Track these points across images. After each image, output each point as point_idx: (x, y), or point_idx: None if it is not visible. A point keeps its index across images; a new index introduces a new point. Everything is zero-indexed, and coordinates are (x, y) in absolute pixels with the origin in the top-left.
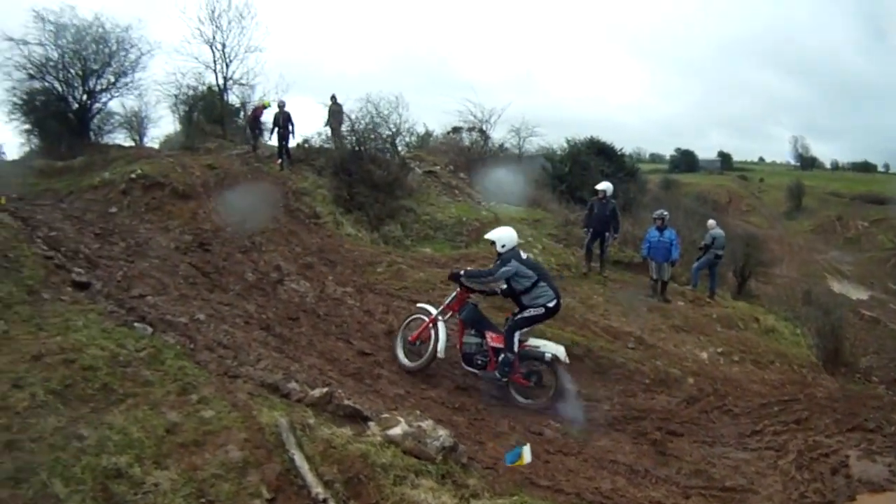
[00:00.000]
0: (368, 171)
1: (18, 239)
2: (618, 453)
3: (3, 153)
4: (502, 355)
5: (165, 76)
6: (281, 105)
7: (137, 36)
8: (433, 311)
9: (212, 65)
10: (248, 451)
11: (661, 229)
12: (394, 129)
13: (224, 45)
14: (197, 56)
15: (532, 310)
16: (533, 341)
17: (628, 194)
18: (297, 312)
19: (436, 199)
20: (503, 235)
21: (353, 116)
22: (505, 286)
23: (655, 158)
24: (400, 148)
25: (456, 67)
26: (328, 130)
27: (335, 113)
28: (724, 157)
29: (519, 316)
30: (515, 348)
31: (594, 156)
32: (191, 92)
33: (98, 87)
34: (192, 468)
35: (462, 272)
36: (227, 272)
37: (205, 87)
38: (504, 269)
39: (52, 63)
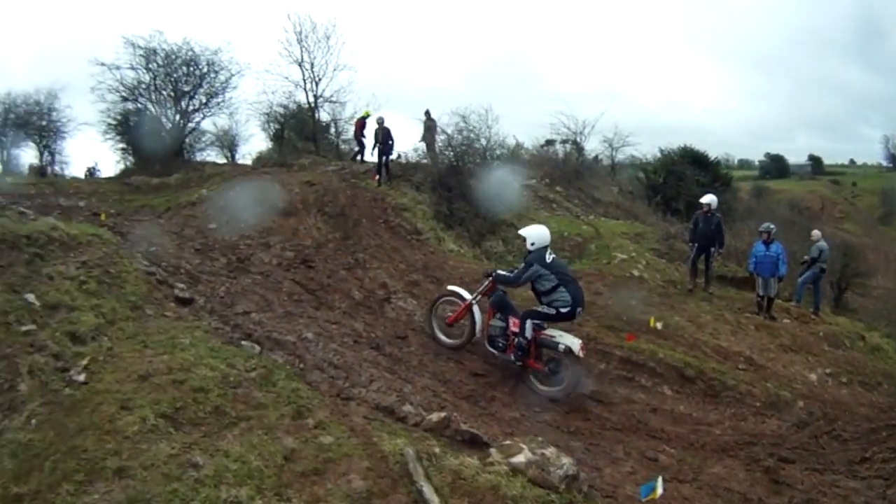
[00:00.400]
0: (468, 186)
1: (119, 255)
2: (732, 481)
3: (99, 171)
4: (517, 339)
5: (256, 95)
6: (380, 121)
7: (227, 58)
8: (468, 296)
9: (302, 83)
10: (371, 481)
11: (767, 243)
12: (485, 143)
13: (312, 65)
14: (287, 76)
15: (546, 308)
16: (551, 331)
17: (723, 205)
18: (406, 331)
19: (535, 214)
20: (534, 233)
21: (448, 131)
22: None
23: (744, 164)
24: (493, 161)
25: (538, 78)
26: (423, 146)
27: (430, 128)
28: (815, 161)
29: (534, 308)
30: (528, 334)
31: (688, 165)
32: (282, 110)
33: (191, 108)
34: (315, 500)
35: (494, 272)
36: (332, 289)
37: (295, 105)
38: (526, 274)
39: (143, 86)
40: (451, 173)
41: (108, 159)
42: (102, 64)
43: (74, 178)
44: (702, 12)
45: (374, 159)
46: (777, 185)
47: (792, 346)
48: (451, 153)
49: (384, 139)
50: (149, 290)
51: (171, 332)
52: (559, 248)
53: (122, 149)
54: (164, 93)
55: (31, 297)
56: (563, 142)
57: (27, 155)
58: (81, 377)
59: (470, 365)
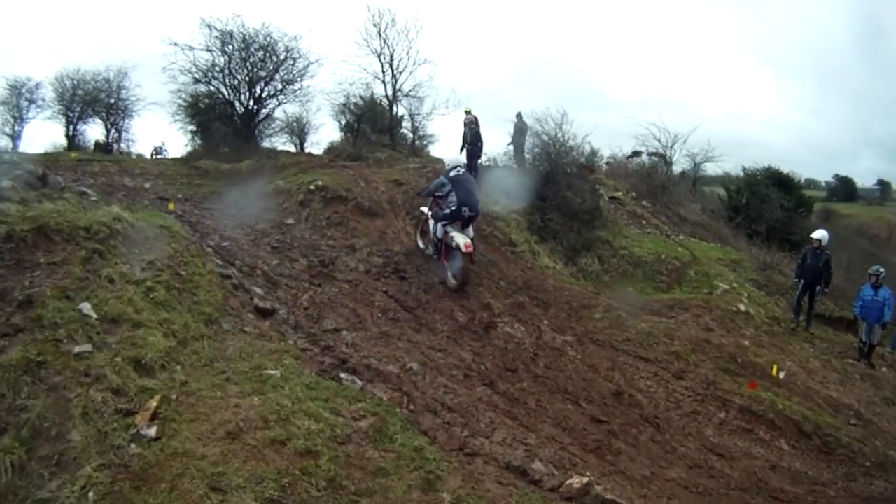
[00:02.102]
0: (565, 198)
1: (190, 251)
2: None
3: (166, 151)
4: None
5: (333, 85)
6: (467, 121)
7: (306, 46)
8: (426, 210)
9: (380, 76)
10: None
11: (875, 287)
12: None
13: (392, 57)
14: (365, 67)
15: (445, 209)
16: (454, 234)
17: (806, 232)
18: (516, 363)
19: (626, 230)
20: (448, 158)
21: (544, 137)
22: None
23: (810, 184)
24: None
25: (593, 84)
26: (511, 149)
27: (521, 130)
28: (884, 185)
29: (435, 210)
30: (439, 234)
31: (772, 187)
32: (359, 102)
33: (265, 94)
34: None
35: (420, 191)
36: (431, 308)
37: (370, 97)
38: (433, 184)
39: (217, 69)
40: (546, 182)
41: (176, 140)
42: (175, 44)
43: (141, 157)
44: (759, 23)
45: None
46: (844, 208)
47: (894, 400)
48: (545, 161)
49: (473, 140)
50: (224, 297)
51: (255, 356)
52: (656, 270)
53: (192, 131)
54: (238, 77)
55: (87, 306)
56: (651, 154)
57: (93, 131)
58: (151, 431)
59: (588, 409)
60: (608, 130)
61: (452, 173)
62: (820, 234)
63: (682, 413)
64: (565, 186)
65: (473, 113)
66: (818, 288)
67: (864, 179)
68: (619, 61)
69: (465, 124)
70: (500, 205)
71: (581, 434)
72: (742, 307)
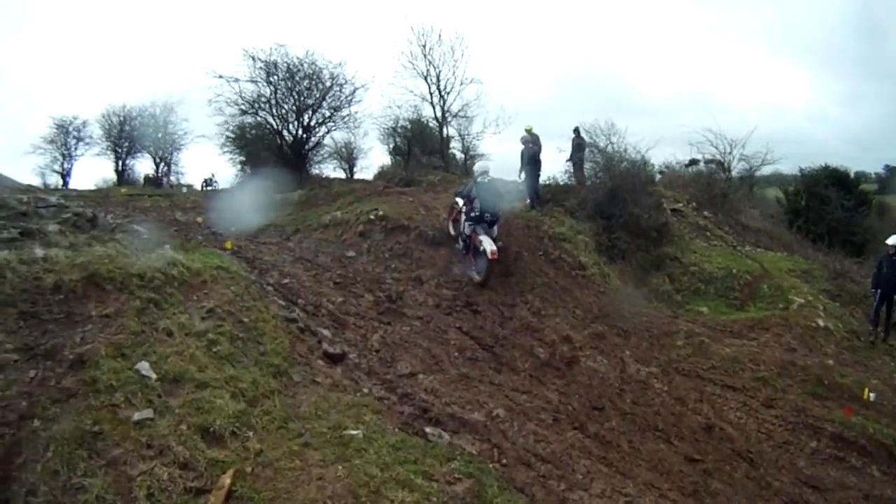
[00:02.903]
0: (632, 215)
1: (251, 294)
2: None
3: (216, 182)
4: (463, 234)
5: (381, 109)
6: (525, 140)
7: (351, 71)
8: (460, 202)
9: (428, 97)
10: None
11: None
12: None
13: (438, 78)
14: (412, 89)
15: (471, 212)
16: (482, 237)
17: (870, 232)
18: (602, 400)
19: (693, 244)
20: (477, 167)
21: (606, 152)
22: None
23: (860, 178)
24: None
25: (628, 87)
26: (570, 165)
27: (580, 146)
28: None
29: (467, 215)
30: (467, 231)
31: (831, 187)
32: (408, 124)
33: (314, 122)
34: None
35: (460, 202)
36: (509, 344)
37: (418, 119)
38: (466, 188)
39: (264, 99)
40: (611, 199)
41: (226, 171)
42: (220, 76)
43: (191, 190)
44: (789, 14)
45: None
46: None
47: None
48: (608, 177)
49: (531, 160)
50: (291, 343)
51: (331, 413)
52: (728, 286)
53: (241, 161)
54: (285, 106)
55: (145, 366)
56: (708, 162)
57: (142, 165)
58: None
59: (681, 446)
60: (648, 136)
61: (479, 179)
62: (895, 240)
63: (774, 444)
64: (632, 203)
65: (535, 131)
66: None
67: None
68: (649, 62)
69: (524, 143)
70: (564, 225)
71: (677, 476)
72: (821, 322)
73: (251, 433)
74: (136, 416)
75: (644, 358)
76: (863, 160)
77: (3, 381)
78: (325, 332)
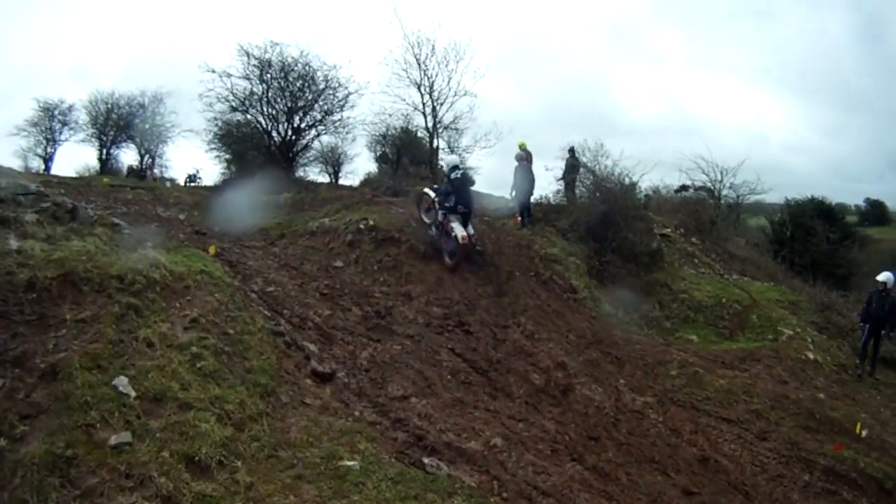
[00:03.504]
0: (625, 240)
1: (235, 303)
2: None
3: (200, 178)
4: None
5: (372, 116)
6: (520, 157)
7: (346, 76)
8: (432, 194)
9: (420, 107)
10: None
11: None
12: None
13: (431, 88)
14: (404, 98)
15: (440, 207)
16: (453, 224)
17: (854, 265)
18: (598, 430)
19: (681, 271)
20: (447, 159)
21: (600, 174)
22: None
23: (840, 209)
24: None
25: (610, 111)
26: (561, 185)
27: (573, 167)
28: None
29: (440, 205)
30: (439, 217)
31: (816, 219)
32: (398, 133)
33: (304, 124)
34: None
35: (432, 194)
36: (503, 368)
37: (408, 128)
38: (442, 187)
39: (256, 97)
40: (603, 222)
41: (211, 168)
42: (213, 71)
43: (175, 184)
44: (769, 42)
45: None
46: (877, 232)
47: None
48: (601, 200)
49: (526, 176)
50: (278, 359)
51: (323, 440)
52: (718, 315)
53: (227, 159)
54: (276, 106)
55: (123, 381)
56: (699, 189)
57: (127, 155)
58: None
59: (677, 479)
60: (630, 158)
61: (453, 175)
62: (885, 276)
63: (768, 477)
64: (624, 227)
65: (528, 148)
66: (883, 332)
67: (894, 201)
68: (631, 82)
69: (517, 160)
70: (557, 246)
71: None
72: (810, 355)
73: (240, 462)
74: (114, 439)
75: (639, 387)
76: (843, 191)
77: None
78: (312, 348)
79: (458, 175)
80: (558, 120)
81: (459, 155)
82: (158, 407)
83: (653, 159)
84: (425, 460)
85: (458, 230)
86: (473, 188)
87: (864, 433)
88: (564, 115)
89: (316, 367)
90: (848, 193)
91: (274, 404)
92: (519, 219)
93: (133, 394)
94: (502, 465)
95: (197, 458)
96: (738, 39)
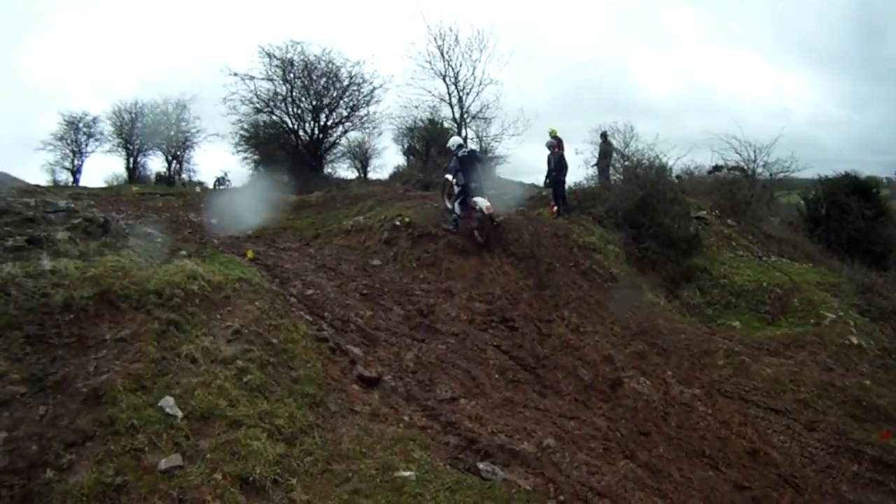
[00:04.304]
0: (662, 225)
1: (276, 309)
2: None
3: (229, 181)
4: (454, 215)
5: (398, 109)
6: (550, 144)
7: (370, 71)
8: (451, 178)
9: (446, 98)
10: None
11: None
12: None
13: (456, 78)
14: (430, 90)
15: (458, 186)
16: (476, 199)
17: (891, 242)
18: (648, 424)
19: (720, 255)
20: (451, 141)
21: (634, 159)
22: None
23: (871, 182)
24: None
25: (630, 89)
26: (594, 171)
27: (606, 153)
28: None
29: (455, 188)
30: (458, 211)
31: (851, 196)
32: (425, 125)
33: (331, 122)
34: None
35: (451, 178)
36: (551, 364)
37: (435, 120)
38: (451, 164)
39: (280, 97)
40: (640, 208)
41: (239, 170)
42: (235, 74)
43: (205, 189)
44: (787, 16)
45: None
46: None
47: None
48: (637, 185)
49: (557, 165)
50: (324, 366)
51: (376, 449)
52: (759, 300)
53: (255, 161)
54: (302, 105)
55: (169, 402)
56: (732, 169)
57: (154, 163)
58: None
59: (728, 473)
60: (664, 143)
61: (460, 153)
62: None
63: (817, 469)
64: (662, 213)
65: (559, 135)
66: None
67: None
68: (649, 62)
69: (549, 148)
70: (595, 235)
71: None
72: (854, 340)
73: (294, 480)
74: (164, 463)
75: (686, 378)
76: (872, 164)
77: (10, 420)
78: (357, 351)
79: (466, 153)
80: (573, 104)
81: (488, 144)
82: (207, 426)
83: (676, 139)
84: (480, 465)
85: (482, 202)
86: (509, 179)
87: None
88: (580, 99)
89: (362, 372)
90: (878, 166)
91: (323, 415)
92: (555, 208)
93: (180, 414)
94: (556, 467)
95: (251, 478)
96: (749, 14)
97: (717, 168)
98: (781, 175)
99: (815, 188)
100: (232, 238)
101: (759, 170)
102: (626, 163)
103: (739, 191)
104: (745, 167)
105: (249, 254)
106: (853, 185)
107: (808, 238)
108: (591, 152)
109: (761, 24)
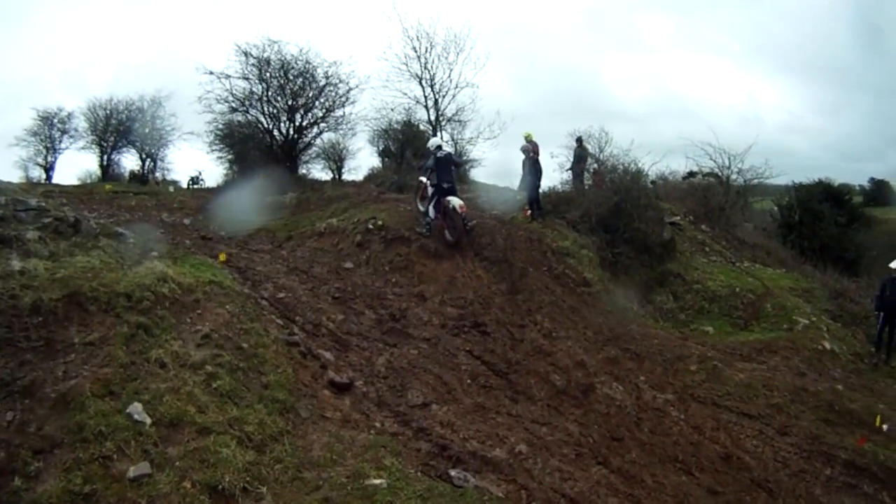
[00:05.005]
0: (637, 231)
1: (247, 313)
2: None
3: (203, 180)
4: (427, 218)
5: (373, 111)
6: (525, 149)
7: (347, 72)
8: (425, 179)
9: (422, 100)
10: None
11: None
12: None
13: (433, 81)
14: (405, 91)
15: (431, 187)
16: (449, 198)
17: (862, 249)
18: (620, 430)
19: (695, 261)
20: (430, 142)
21: (609, 164)
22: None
23: (845, 190)
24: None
25: (597, 94)
26: (569, 176)
27: (581, 157)
28: None
29: (428, 189)
30: (432, 214)
31: (824, 202)
32: (400, 128)
33: (306, 122)
34: None
35: (425, 180)
36: (523, 370)
37: (410, 122)
38: (427, 164)
39: (255, 97)
40: (615, 213)
41: (213, 169)
42: (211, 72)
43: (177, 188)
44: (760, 23)
45: (520, 190)
46: (882, 213)
47: None
48: (612, 190)
49: (532, 168)
50: (294, 371)
51: (347, 456)
52: (732, 305)
53: (229, 160)
54: (277, 105)
55: (137, 408)
56: (707, 175)
57: (128, 160)
58: None
59: (702, 478)
60: (640, 149)
61: (439, 154)
62: None
63: (791, 473)
64: (636, 218)
65: (534, 139)
66: None
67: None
68: (621, 66)
69: (524, 152)
70: (568, 239)
71: None
72: (826, 345)
73: (264, 488)
74: (132, 471)
75: (659, 384)
76: (846, 171)
77: None
78: (328, 356)
79: (443, 154)
80: (549, 108)
81: (463, 147)
82: (176, 433)
83: (650, 144)
84: (452, 472)
85: (455, 201)
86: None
87: (884, 427)
88: (555, 103)
89: (333, 378)
90: (851, 173)
91: (294, 421)
92: (529, 212)
93: (149, 421)
94: (528, 473)
95: (220, 486)
96: (723, 21)
97: (691, 174)
98: (755, 181)
99: (788, 194)
100: (204, 239)
101: (734, 176)
102: (599, 167)
103: (713, 197)
104: (720, 173)
105: (222, 256)
106: (826, 192)
107: (782, 244)
108: (566, 156)
109: (734, 31)
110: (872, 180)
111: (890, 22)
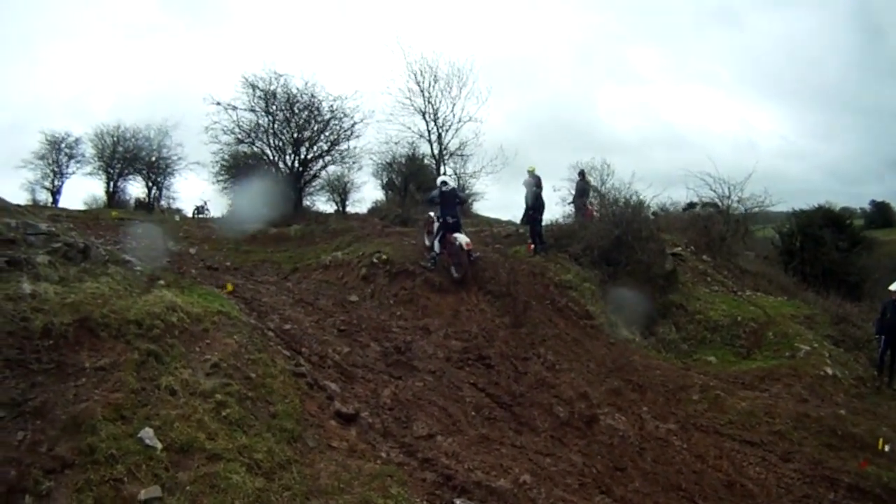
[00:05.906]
0: (640, 263)
1: (255, 343)
2: None
3: (208, 210)
4: (433, 252)
5: (378, 145)
6: (528, 183)
7: (351, 106)
8: (433, 214)
9: (426, 134)
10: None
11: None
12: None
13: (436, 115)
14: (409, 126)
15: (438, 222)
16: (456, 235)
17: (865, 272)
18: (624, 460)
19: (697, 291)
20: (440, 178)
21: (610, 197)
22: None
23: (846, 213)
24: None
25: (585, 123)
26: (571, 209)
27: (584, 191)
28: None
29: (435, 223)
30: (437, 249)
31: (825, 228)
32: (404, 161)
33: (311, 155)
34: None
35: (433, 215)
36: (527, 402)
37: (414, 156)
38: (430, 196)
39: (262, 129)
40: (616, 246)
41: (218, 200)
42: (218, 103)
43: (183, 217)
44: (750, 49)
45: (522, 223)
46: (883, 234)
47: None
48: (613, 224)
49: (534, 203)
50: (301, 401)
51: (354, 485)
52: (734, 334)
53: (235, 191)
54: (283, 138)
55: (149, 433)
56: (706, 205)
57: (134, 188)
58: None
59: None
60: (641, 181)
61: (444, 188)
62: None
63: (794, 499)
64: (638, 250)
65: (537, 173)
66: None
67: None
68: (607, 102)
69: (526, 186)
70: (571, 272)
71: None
72: (829, 370)
73: None
74: (143, 494)
75: (661, 414)
76: (845, 195)
77: None
78: (334, 387)
79: (448, 189)
80: (544, 140)
81: (466, 181)
82: (186, 458)
83: (648, 174)
84: (457, 501)
85: (462, 238)
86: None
87: (886, 448)
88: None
89: (340, 409)
90: (850, 197)
91: (301, 450)
92: (532, 246)
93: (159, 445)
94: (532, 503)
95: None
96: (710, 50)
97: (692, 205)
98: (756, 209)
99: (789, 221)
100: (210, 269)
101: (734, 205)
102: (601, 201)
103: (714, 227)
104: (720, 203)
105: (229, 287)
106: (827, 217)
107: (784, 271)
108: (569, 189)
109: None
110: (873, 202)
111: (877, 42)
